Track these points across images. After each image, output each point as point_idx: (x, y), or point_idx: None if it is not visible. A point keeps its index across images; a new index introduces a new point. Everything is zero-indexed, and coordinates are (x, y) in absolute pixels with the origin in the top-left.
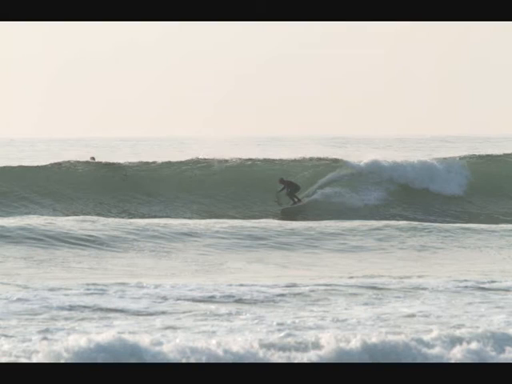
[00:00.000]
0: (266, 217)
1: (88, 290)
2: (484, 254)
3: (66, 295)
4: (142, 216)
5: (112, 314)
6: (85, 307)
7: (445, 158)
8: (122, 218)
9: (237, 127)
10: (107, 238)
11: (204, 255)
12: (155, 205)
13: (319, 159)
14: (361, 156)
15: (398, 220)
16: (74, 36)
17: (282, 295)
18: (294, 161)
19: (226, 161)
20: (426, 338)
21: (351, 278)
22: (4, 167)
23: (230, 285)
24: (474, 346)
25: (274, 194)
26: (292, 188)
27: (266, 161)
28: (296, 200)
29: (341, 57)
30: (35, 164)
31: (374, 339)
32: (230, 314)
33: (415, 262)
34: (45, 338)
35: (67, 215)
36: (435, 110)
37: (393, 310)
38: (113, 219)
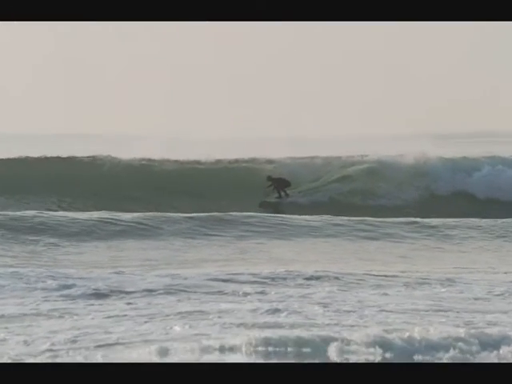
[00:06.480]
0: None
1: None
2: None
3: None
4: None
5: None
6: None
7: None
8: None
9: (237, 127)
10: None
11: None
12: None
13: (318, 157)
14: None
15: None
16: (74, 36)
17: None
18: (292, 158)
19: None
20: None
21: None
22: None
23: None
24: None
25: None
26: (280, 183)
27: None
28: (283, 194)
29: (341, 57)
30: None
31: None
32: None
33: None
34: None
35: None
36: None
37: None
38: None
